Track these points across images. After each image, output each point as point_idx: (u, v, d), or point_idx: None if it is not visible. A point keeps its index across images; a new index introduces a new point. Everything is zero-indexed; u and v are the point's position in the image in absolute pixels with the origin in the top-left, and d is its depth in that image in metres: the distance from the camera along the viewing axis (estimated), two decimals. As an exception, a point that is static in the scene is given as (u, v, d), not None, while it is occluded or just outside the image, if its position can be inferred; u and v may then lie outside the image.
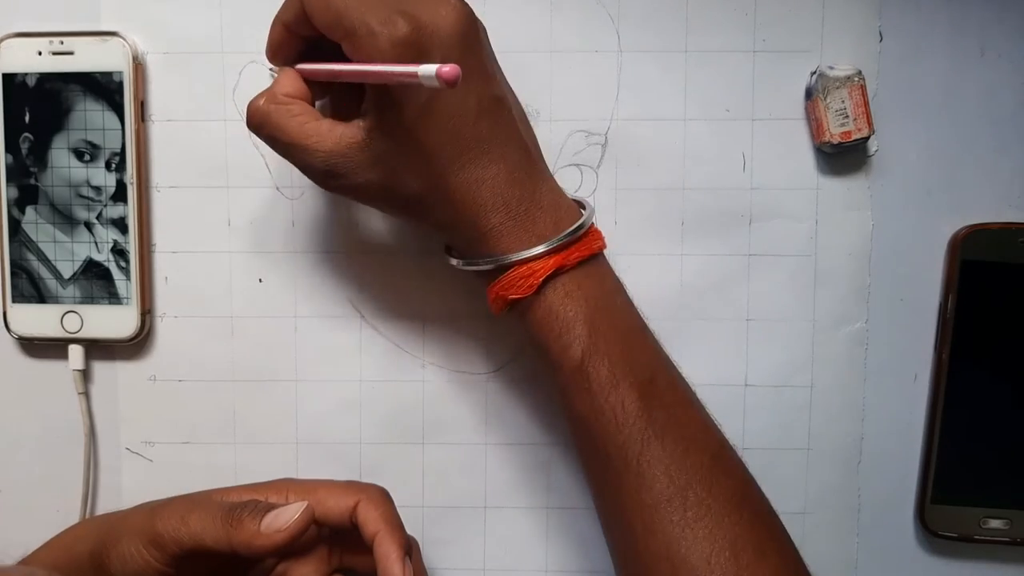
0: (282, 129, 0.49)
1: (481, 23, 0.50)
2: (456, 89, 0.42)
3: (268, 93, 0.50)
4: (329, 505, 0.52)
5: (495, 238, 0.50)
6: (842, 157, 0.58)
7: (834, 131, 0.56)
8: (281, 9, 0.50)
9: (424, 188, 0.50)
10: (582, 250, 0.51)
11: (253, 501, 0.51)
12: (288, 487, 0.53)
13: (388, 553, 0.50)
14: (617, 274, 0.54)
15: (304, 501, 0.51)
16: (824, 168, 0.58)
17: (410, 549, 0.52)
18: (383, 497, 0.53)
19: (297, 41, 0.51)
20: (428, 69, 0.41)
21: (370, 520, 0.51)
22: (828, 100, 0.56)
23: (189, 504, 0.51)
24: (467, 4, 0.48)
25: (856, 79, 0.56)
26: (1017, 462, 0.59)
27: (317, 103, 0.52)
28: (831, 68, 0.56)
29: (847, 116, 0.56)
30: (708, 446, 0.51)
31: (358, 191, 0.51)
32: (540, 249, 0.50)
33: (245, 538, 0.49)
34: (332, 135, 0.49)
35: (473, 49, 0.48)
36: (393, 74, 0.44)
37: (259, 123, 0.50)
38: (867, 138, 0.56)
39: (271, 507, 0.50)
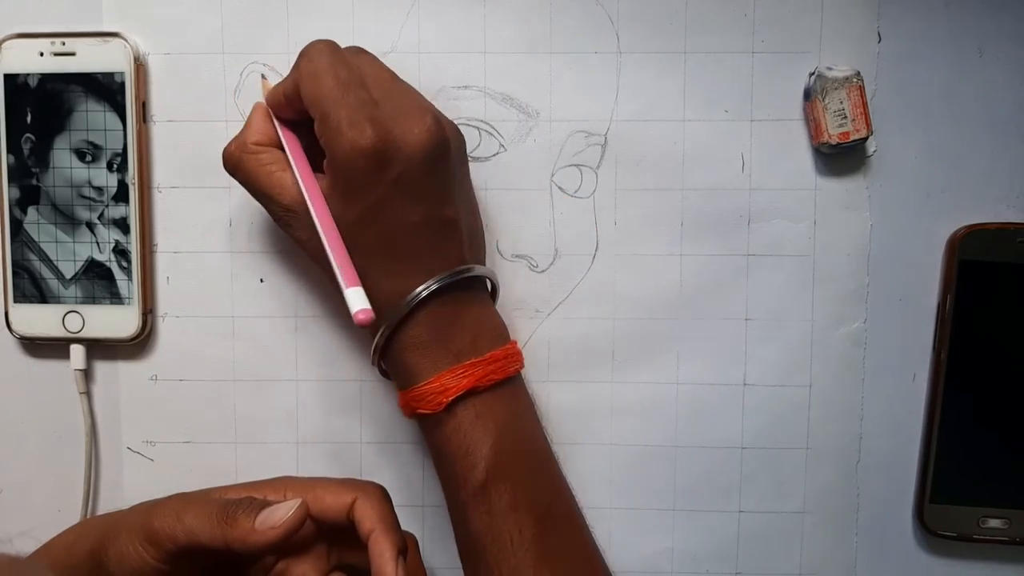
0: (251, 177, 0.53)
1: (457, 140, 0.52)
2: (403, 203, 0.49)
3: (239, 140, 0.53)
4: (327, 502, 0.52)
5: (409, 348, 0.52)
6: (841, 158, 0.58)
7: (832, 132, 0.56)
8: (285, 79, 0.53)
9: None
10: (497, 373, 0.52)
11: (248, 498, 0.51)
12: (286, 485, 0.53)
13: (382, 552, 0.50)
14: (529, 393, 0.56)
15: (299, 498, 0.51)
16: (823, 168, 0.59)
17: (405, 548, 0.52)
18: (380, 495, 0.53)
19: (289, 105, 0.53)
20: (354, 301, 0.47)
21: (366, 518, 0.52)
22: (826, 101, 0.56)
23: (185, 502, 0.51)
24: (444, 126, 0.50)
25: (854, 80, 0.56)
26: (1016, 461, 0.59)
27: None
28: (829, 69, 0.57)
29: (845, 117, 0.56)
30: (595, 573, 0.53)
31: (301, 245, 0.53)
32: (450, 368, 0.51)
33: (240, 535, 0.49)
34: (293, 190, 0.51)
35: (434, 170, 0.50)
36: (337, 272, 0.49)
37: (232, 168, 0.53)
38: (865, 139, 0.57)
39: (266, 504, 0.50)
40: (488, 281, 0.55)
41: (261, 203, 0.53)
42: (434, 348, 0.51)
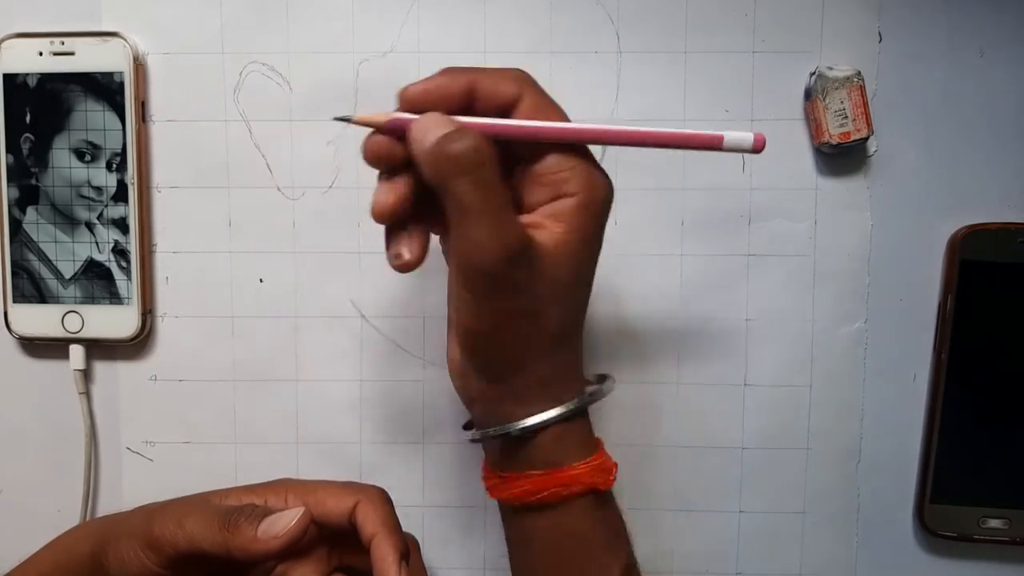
0: (491, 190, 0.42)
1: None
2: (581, 256, 0.44)
3: (480, 138, 0.42)
4: (328, 506, 0.52)
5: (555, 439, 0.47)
6: (841, 157, 0.58)
7: (833, 132, 0.56)
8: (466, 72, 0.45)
9: (566, 331, 0.47)
10: (600, 481, 0.48)
11: (250, 505, 0.50)
12: (287, 488, 0.53)
13: (385, 556, 0.50)
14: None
15: (301, 506, 0.50)
16: (823, 168, 0.59)
17: (407, 551, 0.52)
18: (382, 498, 0.53)
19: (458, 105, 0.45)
20: (744, 137, 0.43)
21: (368, 522, 0.51)
22: (827, 101, 0.56)
23: (186, 507, 0.50)
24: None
25: (855, 80, 0.56)
26: (1016, 462, 0.59)
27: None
28: (830, 69, 0.56)
29: (846, 117, 0.56)
30: None
31: (517, 295, 0.44)
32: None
33: (242, 543, 0.48)
34: (524, 225, 0.44)
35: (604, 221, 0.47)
36: (693, 136, 0.44)
37: (465, 169, 0.42)
38: (866, 139, 0.57)
39: (268, 512, 0.50)
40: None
41: (480, 233, 0.42)
42: (555, 440, 0.47)
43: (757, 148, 0.43)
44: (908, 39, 0.58)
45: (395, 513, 0.53)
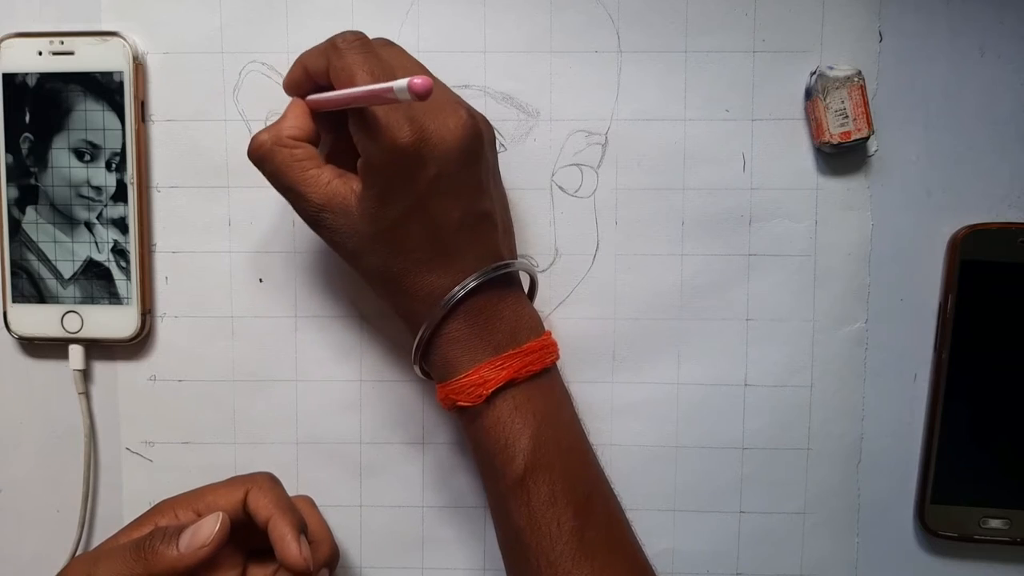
0: (282, 171, 0.51)
1: (490, 133, 0.52)
2: (442, 200, 0.48)
3: (274, 131, 0.51)
4: (221, 505, 0.53)
5: (449, 343, 0.52)
6: (842, 157, 0.58)
7: (834, 131, 0.56)
8: (308, 55, 0.51)
9: (389, 274, 0.51)
10: (535, 364, 0.52)
11: (158, 529, 0.51)
12: (172, 506, 0.53)
13: (283, 535, 0.51)
14: (564, 383, 0.56)
15: (217, 512, 0.51)
16: (824, 168, 0.59)
17: (304, 525, 0.53)
18: (270, 482, 0.54)
19: (312, 84, 0.52)
20: (400, 83, 0.42)
21: (260, 508, 0.52)
22: (828, 100, 0.56)
23: (91, 560, 0.50)
24: (476, 119, 0.50)
25: (856, 79, 0.56)
26: (1017, 462, 0.59)
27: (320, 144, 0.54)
28: (831, 68, 0.56)
29: (847, 116, 0.56)
30: (634, 567, 0.53)
31: (335, 245, 0.52)
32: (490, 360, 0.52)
33: (167, 564, 0.49)
34: (327, 188, 0.50)
35: (470, 164, 0.50)
36: (371, 93, 0.45)
37: (260, 158, 0.52)
38: (867, 138, 0.56)
39: (180, 528, 0.50)
40: (525, 274, 0.56)
41: (290, 199, 0.52)
42: (473, 341, 0.52)
43: (418, 93, 0.41)
44: (909, 39, 0.58)
45: (285, 492, 0.54)
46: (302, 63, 0.52)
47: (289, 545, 0.51)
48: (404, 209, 0.49)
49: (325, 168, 0.51)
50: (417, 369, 0.55)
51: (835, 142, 0.56)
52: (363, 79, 0.47)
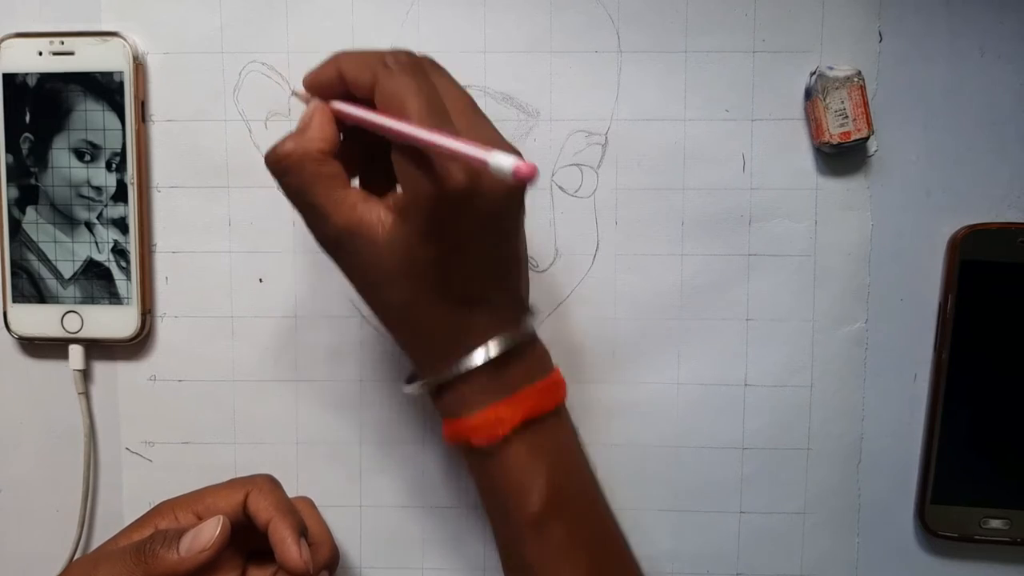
0: (308, 188, 0.47)
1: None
2: (483, 244, 0.46)
3: (301, 142, 0.47)
4: (221, 507, 0.53)
5: (464, 381, 0.49)
6: (842, 157, 0.58)
7: (833, 131, 0.56)
8: (350, 60, 0.47)
9: (409, 311, 0.49)
10: (548, 402, 0.51)
11: (159, 532, 0.51)
12: (172, 508, 0.53)
13: (283, 538, 0.51)
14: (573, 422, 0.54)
15: (217, 515, 0.51)
16: (824, 168, 0.59)
17: (304, 527, 0.53)
18: (269, 484, 0.54)
19: (342, 91, 0.48)
20: (503, 160, 0.38)
21: (261, 510, 0.52)
22: (827, 100, 0.56)
23: (91, 562, 0.50)
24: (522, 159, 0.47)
25: (855, 79, 0.56)
26: (1017, 462, 0.59)
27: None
28: (830, 68, 0.56)
29: (846, 116, 0.56)
30: None
31: (351, 272, 0.49)
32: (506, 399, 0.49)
33: (168, 568, 0.48)
34: (353, 213, 0.46)
35: (516, 208, 0.48)
36: (458, 152, 0.41)
37: (284, 170, 0.47)
38: (866, 138, 0.57)
39: (180, 532, 0.50)
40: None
41: (307, 217, 0.48)
42: (491, 380, 0.49)
43: (521, 178, 0.38)
44: (909, 39, 0.58)
45: (285, 495, 0.54)
46: (339, 66, 0.47)
47: (289, 548, 0.51)
48: (444, 249, 0.46)
49: (352, 190, 0.47)
50: (412, 388, 0.52)
51: (835, 142, 0.56)
52: (414, 108, 0.43)
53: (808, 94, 0.57)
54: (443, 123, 0.44)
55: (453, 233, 0.46)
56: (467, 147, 0.40)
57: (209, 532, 0.49)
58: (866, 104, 0.56)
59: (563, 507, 0.50)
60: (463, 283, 0.47)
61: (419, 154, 0.44)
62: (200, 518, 0.53)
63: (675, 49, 0.58)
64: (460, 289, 0.48)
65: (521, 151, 0.58)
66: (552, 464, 0.50)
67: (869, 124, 0.56)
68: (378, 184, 0.49)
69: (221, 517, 0.50)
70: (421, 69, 0.46)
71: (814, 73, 0.57)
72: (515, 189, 0.46)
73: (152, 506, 0.55)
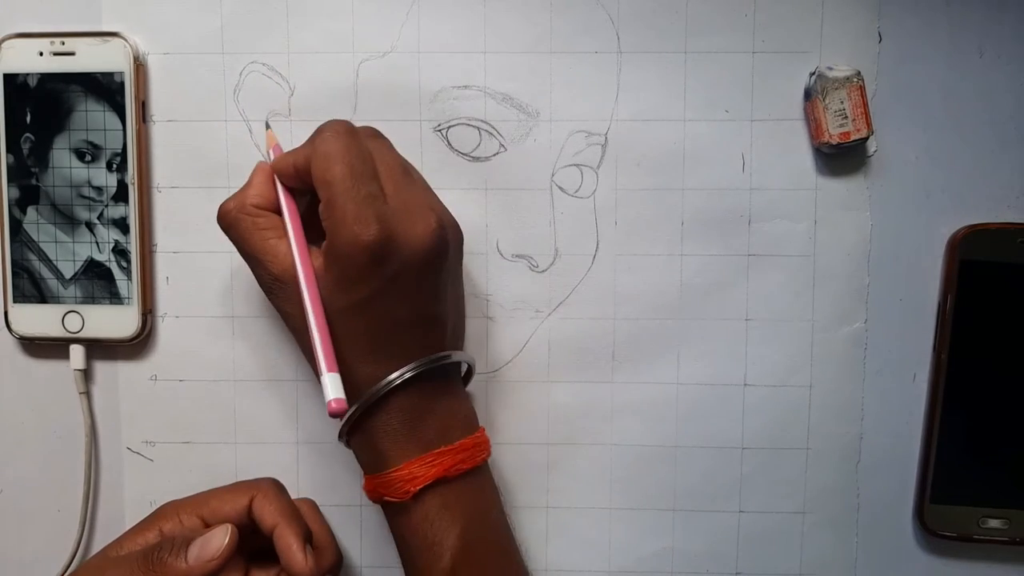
0: (245, 239, 0.52)
1: (457, 240, 0.52)
2: (395, 300, 0.49)
3: (239, 198, 0.52)
4: (226, 511, 0.53)
5: (379, 435, 0.51)
6: (841, 158, 0.58)
7: (833, 132, 0.56)
8: (298, 150, 0.52)
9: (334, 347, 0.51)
10: (466, 462, 0.52)
11: (166, 540, 0.51)
12: (176, 510, 0.54)
13: (289, 544, 0.52)
14: (495, 480, 0.56)
15: (226, 524, 0.51)
16: (823, 168, 0.59)
17: (309, 533, 0.54)
18: (275, 489, 0.55)
19: (299, 180, 0.52)
20: (328, 388, 0.48)
21: (266, 515, 0.53)
22: (827, 101, 0.56)
23: (97, 568, 0.51)
24: (445, 227, 0.50)
25: (855, 80, 0.56)
26: (1016, 462, 0.59)
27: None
28: (830, 69, 0.56)
29: (846, 117, 0.56)
30: None
31: (284, 316, 0.53)
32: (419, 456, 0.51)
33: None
34: (285, 260, 0.51)
35: (431, 271, 0.50)
36: (314, 351, 0.49)
37: (227, 226, 0.52)
38: (866, 138, 0.57)
39: (188, 539, 0.50)
40: (464, 364, 0.55)
41: (250, 266, 0.53)
42: (404, 435, 0.51)
43: (329, 411, 0.47)
44: (908, 39, 0.58)
45: (290, 499, 0.55)
46: (292, 158, 0.52)
47: (295, 555, 0.52)
48: (357, 300, 0.49)
49: (284, 241, 0.51)
50: (344, 442, 0.54)
51: (834, 142, 0.56)
52: (338, 171, 0.48)
53: (807, 94, 0.58)
54: (368, 185, 0.48)
55: (365, 285, 0.49)
56: (320, 350, 0.49)
57: (218, 541, 0.50)
58: (866, 104, 0.56)
59: (474, 566, 0.51)
60: (375, 334, 0.50)
61: (338, 209, 0.48)
62: (205, 522, 0.53)
63: (675, 50, 0.58)
64: (372, 339, 0.50)
65: (521, 151, 0.58)
66: (466, 523, 0.51)
67: (869, 124, 0.56)
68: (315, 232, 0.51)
69: (230, 526, 0.51)
70: (354, 136, 0.50)
71: (813, 73, 0.57)
72: (430, 252, 0.49)
73: (153, 506, 0.55)
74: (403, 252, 0.48)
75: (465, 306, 0.58)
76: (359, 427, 0.52)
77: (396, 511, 0.52)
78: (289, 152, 0.52)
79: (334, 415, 0.47)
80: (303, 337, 0.51)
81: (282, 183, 0.53)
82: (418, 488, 0.50)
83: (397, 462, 0.51)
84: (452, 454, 0.51)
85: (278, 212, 0.53)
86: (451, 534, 0.51)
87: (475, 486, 0.53)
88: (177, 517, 0.53)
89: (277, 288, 0.51)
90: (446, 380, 0.53)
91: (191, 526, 0.53)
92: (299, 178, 0.51)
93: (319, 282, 0.50)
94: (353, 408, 0.51)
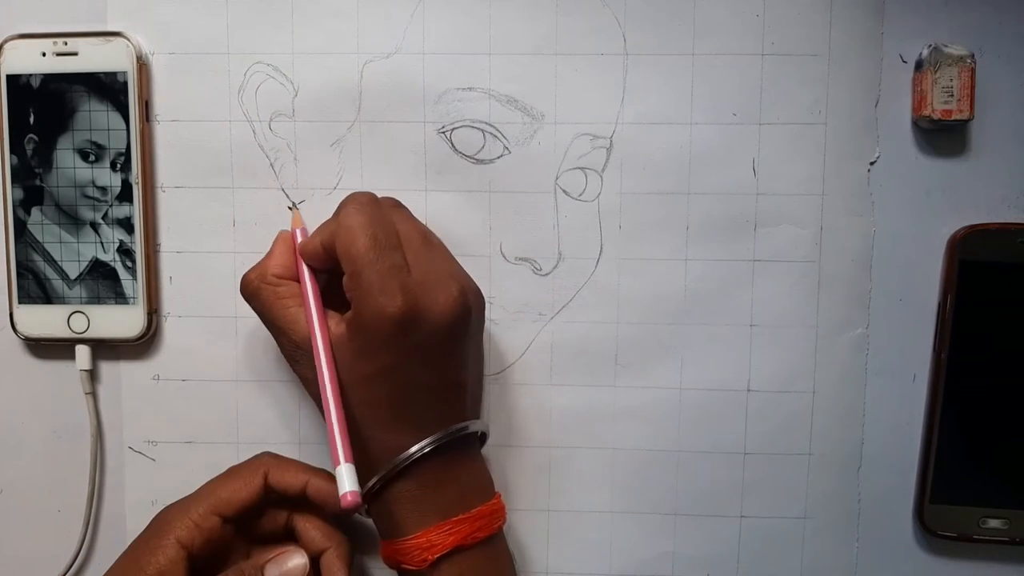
0: (267, 308, 0.54)
1: (479, 308, 0.54)
2: (418, 369, 0.50)
3: (260, 268, 0.54)
4: (242, 498, 0.55)
5: (397, 501, 0.52)
6: (850, 159, 0.58)
7: (936, 106, 0.56)
8: (323, 229, 0.53)
9: (350, 423, 0.51)
10: (483, 530, 0.52)
11: (235, 570, 0.53)
12: (186, 513, 0.54)
13: (334, 570, 0.55)
14: (508, 547, 0.56)
15: (293, 547, 0.55)
16: (830, 173, 0.58)
17: (352, 553, 0.56)
18: (276, 458, 0.57)
19: (327, 260, 0.53)
20: (344, 479, 0.48)
21: (288, 479, 0.55)
22: (938, 75, 0.56)
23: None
24: (468, 295, 0.51)
25: (968, 61, 0.56)
26: (1016, 462, 0.59)
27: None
28: (946, 45, 0.56)
29: (952, 95, 0.55)
30: None
31: (305, 383, 0.55)
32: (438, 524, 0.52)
33: None
34: (306, 330, 0.52)
35: (454, 337, 0.51)
36: (330, 442, 0.49)
37: (249, 296, 0.54)
38: (966, 121, 0.56)
39: (257, 565, 0.53)
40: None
41: (272, 334, 0.54)
42: (422, 503, 0.51)
43: (343, 503, 0.48)
44: (908, 39, 0.58)
45: (306, 466, 0.57)
46: (319, 237, 0.53)
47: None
48: (380, 368, 0.50)
49: (306, 309, 0.53)
50: (364, 511, 0.55)
51: (936, 117, 0.56)
52: (362, 242, 0.49)
53: (919, 65, 0.57)
54: (392, 256, 0.50)
55: (389, 355, 0.50)
56: (338, 440, 0.49)
57: (296, 562, 0.54)
58: (973, 87, 0.56)
59: None
60: (397, 402, 0.51)
61: (363, 281, 0.49)
62: (222, 516, 0.53)
63: (682, 51, 0.58)
64: (394, 408, 0.51)
65: (525, 154, 0.58)
66: None
67: (972, 108, 0.56)
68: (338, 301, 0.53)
69: (304, 560, 0.54)
70: (377, 207, 0.52)
71: (930, 46, 0.56)
72: (454, 321, 0.50)
73: (155, 505, 0.55)
74: (427, 322, 0.49)
75: (483, 370, 0.59)
76: (377, 495, 0.52)
77: None
78: (315, 232, 0.54)
79: (348, 508, 0.47)
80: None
81: (308, 266, 0.54)
82: (435, 556, 0.51)
83: (415, 530, 0.51)
84: (470, 522, 0.52)
85: (300, 281, 0.54)
86: None
87: (491, 554, 0.53)
88: (188, 520, 0.53)
89: (299, 356, 0.53)
90: (465, 445, 0.54)
91: (210, 526, 0.53)
92: (327, 258, 0.52)
93: (342, 349, 0.51)
94: (373, 481, 0.51)
